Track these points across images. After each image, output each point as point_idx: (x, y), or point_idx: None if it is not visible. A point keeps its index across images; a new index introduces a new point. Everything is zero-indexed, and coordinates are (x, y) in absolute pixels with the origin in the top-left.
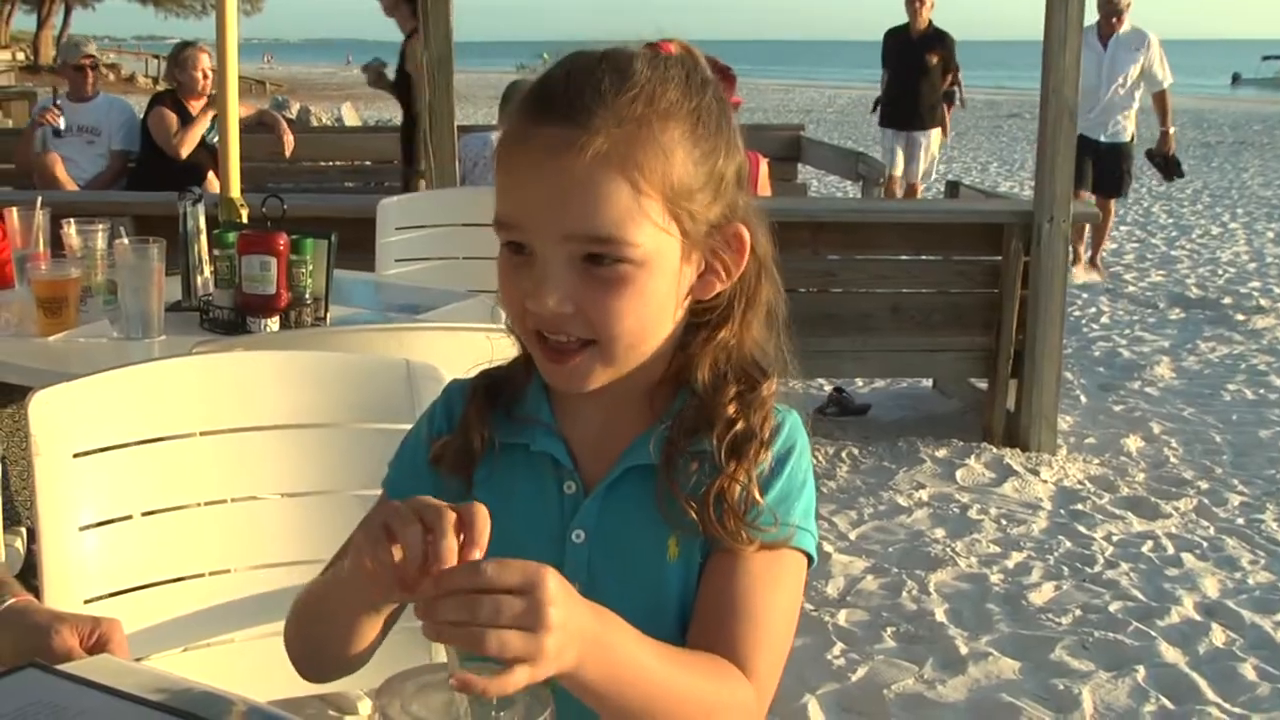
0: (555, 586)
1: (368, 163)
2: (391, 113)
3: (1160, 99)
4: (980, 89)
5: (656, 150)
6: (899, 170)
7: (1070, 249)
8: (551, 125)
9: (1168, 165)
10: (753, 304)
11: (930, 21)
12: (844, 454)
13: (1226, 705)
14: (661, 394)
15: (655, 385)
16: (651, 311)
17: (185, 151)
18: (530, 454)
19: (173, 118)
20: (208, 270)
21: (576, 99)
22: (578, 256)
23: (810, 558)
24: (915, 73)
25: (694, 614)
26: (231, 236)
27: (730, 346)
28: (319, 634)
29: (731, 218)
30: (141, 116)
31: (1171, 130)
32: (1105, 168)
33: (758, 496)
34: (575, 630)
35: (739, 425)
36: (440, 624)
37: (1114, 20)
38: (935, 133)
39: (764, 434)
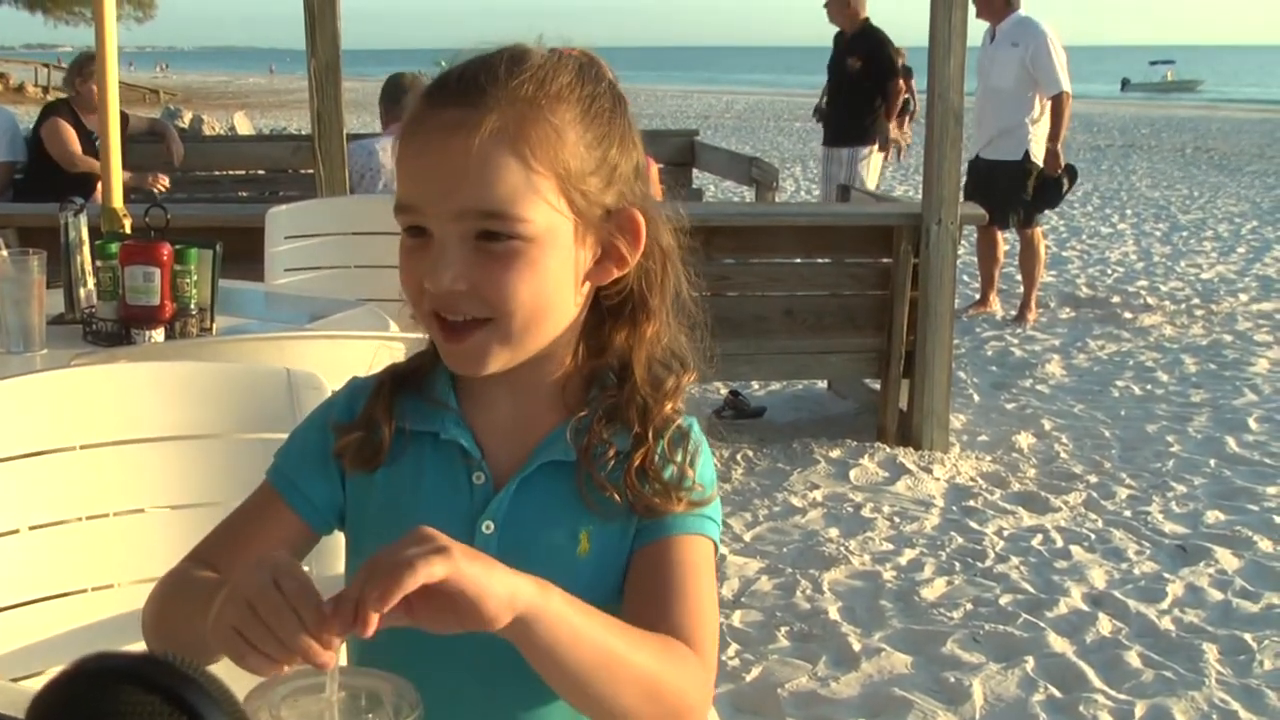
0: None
1: (260, 171)
2: (285, 121)
3: (1053, 106)
4: None
5: (548, 130)
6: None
7: (983, 292)
8: (447, 108)
9: (1044, 190)
10: (664, 297)
11: (866, 20)
12: (739, 456)
13: (1112, 692)
14: (574, 386)
15: (566, 377)
16: (547, 290)
17: (85, 168)
18: (439, 442)
19: (72, 134)
20: (91, 282)
21: (472, 82)
22: (471, 234)
23: (716, 546)
24: (840, 80)
25: (628, 606)
26: (114, 247)
27: (660, 341)
28: (180, 640)
29: (625, 205)
30: (33, 126)
31: (1058, 147)
32: (994, 193)
33: (689, 469)
34: (518, 581)
35: (668, 412)
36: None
37: (996, 4)
38: (866, 150)
39: (680, 423)
